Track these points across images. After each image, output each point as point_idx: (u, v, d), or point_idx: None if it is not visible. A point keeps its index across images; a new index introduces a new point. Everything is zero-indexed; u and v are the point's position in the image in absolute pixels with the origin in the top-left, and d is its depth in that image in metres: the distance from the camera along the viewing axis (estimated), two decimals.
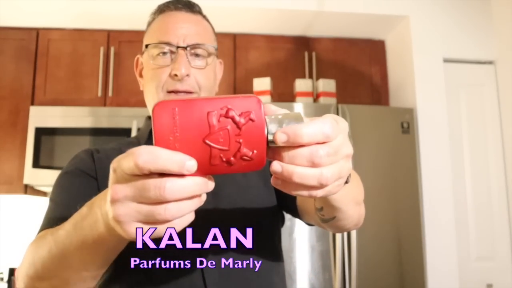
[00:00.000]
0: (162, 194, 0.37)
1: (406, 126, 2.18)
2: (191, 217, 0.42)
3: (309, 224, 0.83)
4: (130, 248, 0.55)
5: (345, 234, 2.00)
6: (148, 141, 0.83)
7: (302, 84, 2.34)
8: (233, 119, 0.39)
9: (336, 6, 2.34)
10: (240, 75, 2.46)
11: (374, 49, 2.63)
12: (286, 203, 0.83)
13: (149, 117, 0.87)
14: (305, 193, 0.42)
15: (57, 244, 0.55)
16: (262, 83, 2.31)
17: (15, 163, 2.25)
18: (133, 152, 0.38)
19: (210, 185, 0.42)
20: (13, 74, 2.35)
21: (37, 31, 2.41)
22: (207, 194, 0.75)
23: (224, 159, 0.40)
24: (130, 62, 2.26)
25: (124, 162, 0.39)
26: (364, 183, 0.70)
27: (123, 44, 2.43)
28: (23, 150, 2.24)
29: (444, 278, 2.15)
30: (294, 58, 2.54)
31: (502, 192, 2.37)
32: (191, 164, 0.38)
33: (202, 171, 0.40)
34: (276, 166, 0.40)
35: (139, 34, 0.85)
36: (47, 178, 2.19)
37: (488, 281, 2.26)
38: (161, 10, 0.84)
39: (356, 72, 2.57)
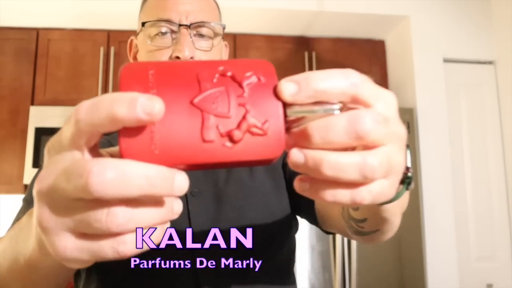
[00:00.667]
0: (85, 187, 0.24)
1: (406, 126, 2.18)
2: (156, 238, 0.27)
3: (328, 232, 0.72)
4: None
5: None
6: None
7: None
8: (233, 77, 0.28)
9: (336, 6, 2.34)
10: None
11: (374, 49, 2.63)
12: (300, 206, 0.71)
13: None
14: (345, 197, 0.28)
15: None
16: None
17: (15, 163, 2.25)
18: (77, 105, 0.26)
19: (178, 182, 0.25)
20: (13, 74, 2.35)
21: (37, 31, 2.41)
22: (208, 196, 0.69)
23: (223, 132, 0.27)
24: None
25: (65, 127, 0.27)
26: None
27: (123, 44, 2.43)
28: (23, 150, 2.24)
29: (444, 278, 2.14)
30: (294, 58, 2.54)
31: (502, 192, 2.37)
32: (149, 101, 0.25)
33: (190, 155, 0.26)
34: (295, 154, 0.28)
35: None
36: None
37: (488, 281, 2.26)
38: None
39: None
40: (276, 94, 0.28)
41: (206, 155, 0.27)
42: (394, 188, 0.31)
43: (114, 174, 0.24)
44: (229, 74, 0.28)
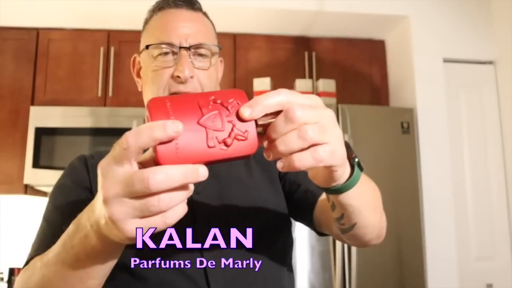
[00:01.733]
0: (147, 187, 0.37)
1: (406, 126, 2.18)
2: (184, 209, 0.41)
3: (321, 234, 0.81)
4: (129, 249, 0.52)
5: None
6: None
7: (302, 84, 2.34)
8: (222, 103, 0.42)
9: (336, 6, 2.34)
10: (240, 75, 2.46)
11: (374, 49, 2.63)
12: (300, 211, 0.80)
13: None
14: (308, 159, 0.41)
15: (49, 269, 0.53)
16: (262, 83, 2.31)
17: (15, 163, 2.25)
18: (122, 137, 0.38)
19: (202, 172, 0.39)
20: (13, 74, 2.35)
21: (37, 31, 2.41)
22: (212, 194, 0.75)
23: (219, 140, 0.41)
24: (130, 62, 2.26)
25: (113, 152, 0.39)
26: None
27: (123, 44, 2.43)
28: (23, 150, 2.24)
29: (444, 278, 2.14)
30: (294, 58, 2.54)
31: (502, 192, 2.37)
32: (173, 124, 0.38)
33: (201, 156, 0.41)
34: (265, 151, 0.44)
35: (139, 34, 0.84)
36: (47, 178, 2.19)
37: (488, 281, 2.26)
38: (160, 7, 0.79)
39: (356, 72, 2.57)
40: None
41: (211, 156, 0.41)
42: (342, 151, 0.44)
43: (162, 176, 0.37)
44: (219, 101, 0.42)
